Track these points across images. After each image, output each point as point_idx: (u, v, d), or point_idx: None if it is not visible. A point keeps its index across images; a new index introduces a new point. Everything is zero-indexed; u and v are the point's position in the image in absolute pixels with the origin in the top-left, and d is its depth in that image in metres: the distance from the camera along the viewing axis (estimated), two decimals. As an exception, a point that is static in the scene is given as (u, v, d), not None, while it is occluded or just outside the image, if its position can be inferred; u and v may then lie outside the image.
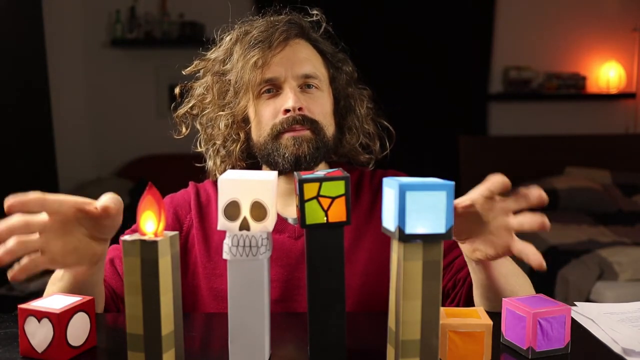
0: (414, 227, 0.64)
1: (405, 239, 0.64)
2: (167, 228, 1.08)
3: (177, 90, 1.15)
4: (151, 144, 4.09)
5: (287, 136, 1.04)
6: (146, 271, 0.64)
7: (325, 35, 1.15)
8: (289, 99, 1.04)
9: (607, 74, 4.25)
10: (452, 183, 0.64)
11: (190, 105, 1.13)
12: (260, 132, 1.07)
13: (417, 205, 0.63)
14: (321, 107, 1.08)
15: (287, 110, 1.04)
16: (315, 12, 1.14)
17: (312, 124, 1.05)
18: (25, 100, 3.61)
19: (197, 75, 1.14)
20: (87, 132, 4.26)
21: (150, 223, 0.65)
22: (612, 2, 4.24)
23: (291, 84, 1.05)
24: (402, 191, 0.63)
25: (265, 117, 1.06)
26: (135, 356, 0.66)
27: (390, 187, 0.66)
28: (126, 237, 0.65)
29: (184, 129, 1.15)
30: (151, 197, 0.66)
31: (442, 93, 4.19)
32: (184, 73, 1.14)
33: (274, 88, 1.06)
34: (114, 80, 4.23)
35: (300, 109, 1.04)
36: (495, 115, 4.32)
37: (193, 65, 1.14)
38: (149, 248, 0.64)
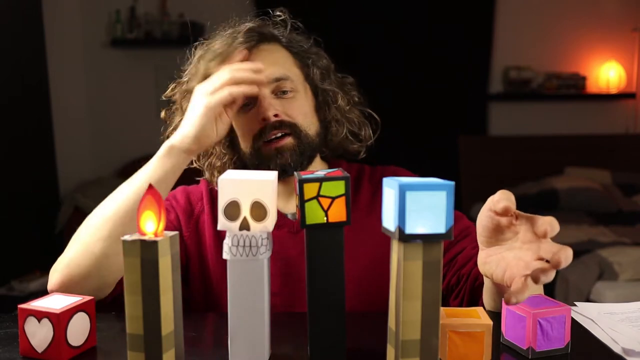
0: (414, 227, 0.64)
1: (405, 239, 0.64)
2: (179, 210, 1.12)
3: (162, 115, 1.15)
4: (151, 144, 4.04)
5: (269, 148, 1.05)
6: (146, 271, 0.65)
7: (296, 32, 1.13)
8: (263, 108, 1.04)
9: (607, 74, 4.25)
10: (452, 183, 0.64)
11: (171, 129, 1.11)
12: (245, 143, 1.09)
13: (417, 205, 0.63)
14: (299, 108, 1.08)
15: (264, 119, 1.05)
16: (278, 12, 1.13)
17: (290, 128, 1.05)
18: (25, 100, 3.61)
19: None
20: (87, 132, 4.25)
21: (150, 223, 0.65)
22: (612, 2, 4.24)
23: (264, 92, 1.05)
24: (402, 191, 0.63)
25: (247, 129, 1.07)
26: (135, 356, 0.66)
27: (390, 187, 0.66)
28: (126, 237, 0.65)
29: None
30: (151, 197, 0.66)
31: (442, 93, 4.19)
32: (163, 98, 1.14)
33: (251, 102, 1.06)
34: (114, 80, 4.23)
35: (276, 115, 1.05)
36: (495, 115, 4.32)
37: (169, 90, 1.13)
38: (149, 248, 0.64)
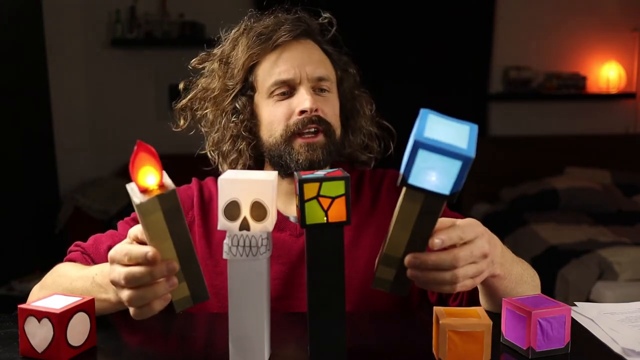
0: (418, 180, 0.64)
1: (408, 186, 0.65)
2: None
3: (181, 86, 1.16)
4: (151, 144, 4.05)
5: (300, 142, 1.05)
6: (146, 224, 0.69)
7: (329, 39, 1.15)
8: (305, 100, 1.04)
9: (607, 74, 4.25)
10: (472, 155, 0.62)
11: (190, 96, 1.12)
12: (271, 132, 1.07)
13: (427, 164, 0.63)
14: (333, 109, 1.09)
15: (302, 112, 1.04)
16: (326, 15, 1.14)
17: (325, 126, 1.06)
18: (26, 100, 3.61)
19: (202, 72, 1.14)
20: (87, 132, 4.25)
21: (152, 177, 0.68)
22: (612, 2, 4.24)
23: (306, 85, 1.06)
24: (415, 147, 0.62)
25: (278, 117, 1.06)
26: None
27: (415, 127, 0.65)
28: (132, 189, 0.68)
29: (182, 122, 1.15)
30: (145, 154, 0.67)
31: (442, 93, 4.18)
32: (190, 67, 1.14)
33: (288, 90, 1.07)
34: (114, 80, 4.23)
35: (315, 110, 1.05)
36: (495, 115, 4.31)
37: (199, 58, 1.14)
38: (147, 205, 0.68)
